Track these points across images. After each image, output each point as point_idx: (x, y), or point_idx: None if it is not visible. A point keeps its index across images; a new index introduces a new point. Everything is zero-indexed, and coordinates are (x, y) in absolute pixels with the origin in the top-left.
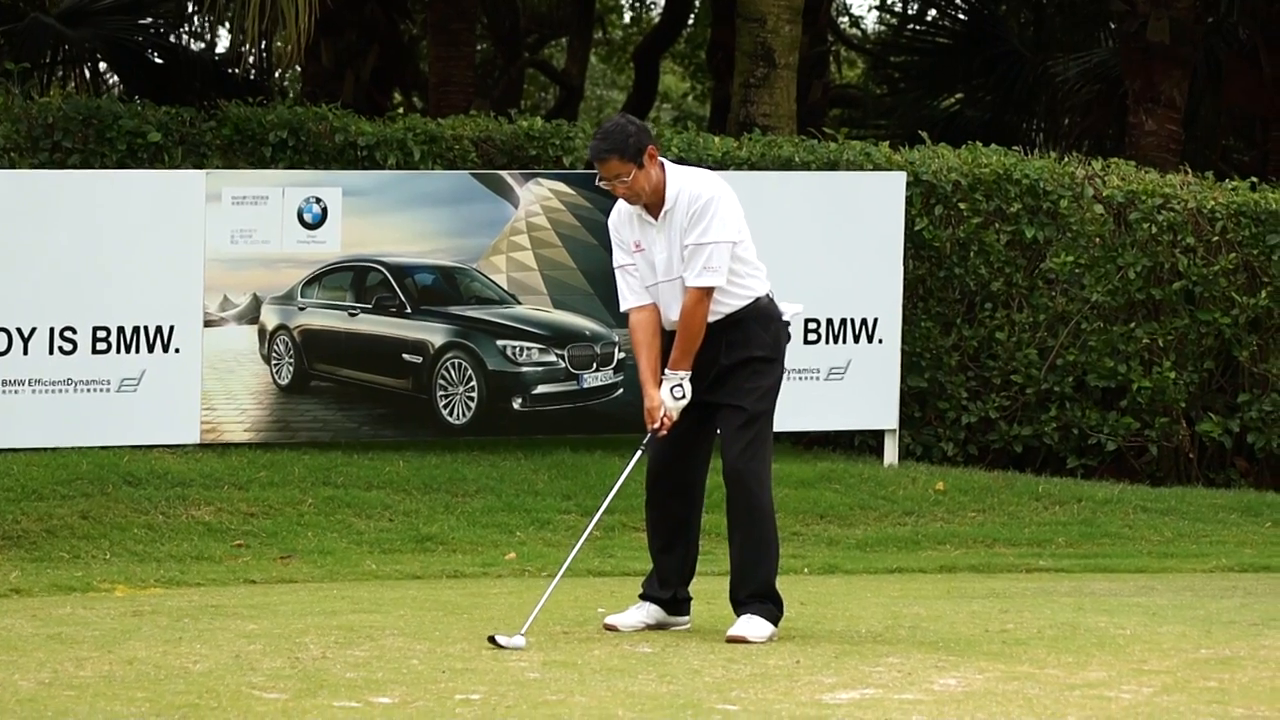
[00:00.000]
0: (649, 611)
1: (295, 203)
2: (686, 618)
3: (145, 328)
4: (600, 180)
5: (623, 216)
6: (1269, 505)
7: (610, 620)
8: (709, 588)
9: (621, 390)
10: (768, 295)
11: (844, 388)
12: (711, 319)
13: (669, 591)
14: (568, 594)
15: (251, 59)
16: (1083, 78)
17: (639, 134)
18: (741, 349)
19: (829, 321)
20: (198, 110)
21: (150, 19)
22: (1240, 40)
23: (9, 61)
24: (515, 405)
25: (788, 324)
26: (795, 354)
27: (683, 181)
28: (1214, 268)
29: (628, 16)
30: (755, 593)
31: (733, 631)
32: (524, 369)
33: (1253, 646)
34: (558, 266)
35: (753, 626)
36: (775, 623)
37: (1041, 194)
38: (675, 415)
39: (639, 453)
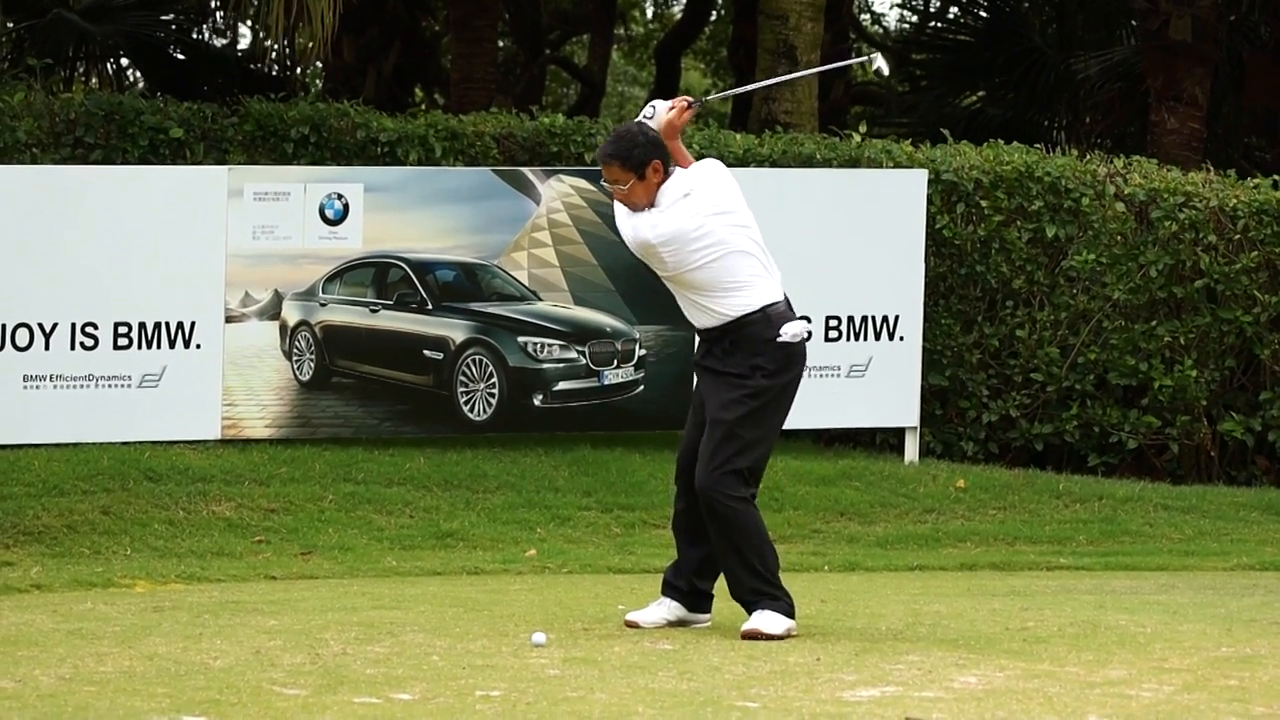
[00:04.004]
0: (670, 608)
1: (317, 199)
2: (707, 615)
3: (167, 323)
4: (604, 180)
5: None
6: None
7: (631, 617)
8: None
9: (642, 387)
10: (763, 310)
11: (865, 385)
12: (710, 324)
13: (685, 581)
14: (588, 590)
15: (274, 55)
16: (1104, 75)
17: (647, 147)
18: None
19: (850, 319)
20: (220, 106)
21: (172, 15)
22: (1262, 38)
23: (32, 57)
24: (536, 402)
25: (784, 344)
26: (817, 351)
27: (670, 182)
28: (1236, 266)
29: (650, 13)
30: (753, 594)
31: (747, 627)
32: (545, 365)
33: (1274, 645)
34: (579, 263)
35: (766, 620)
36: (789, 615)
37: (1063, 192)
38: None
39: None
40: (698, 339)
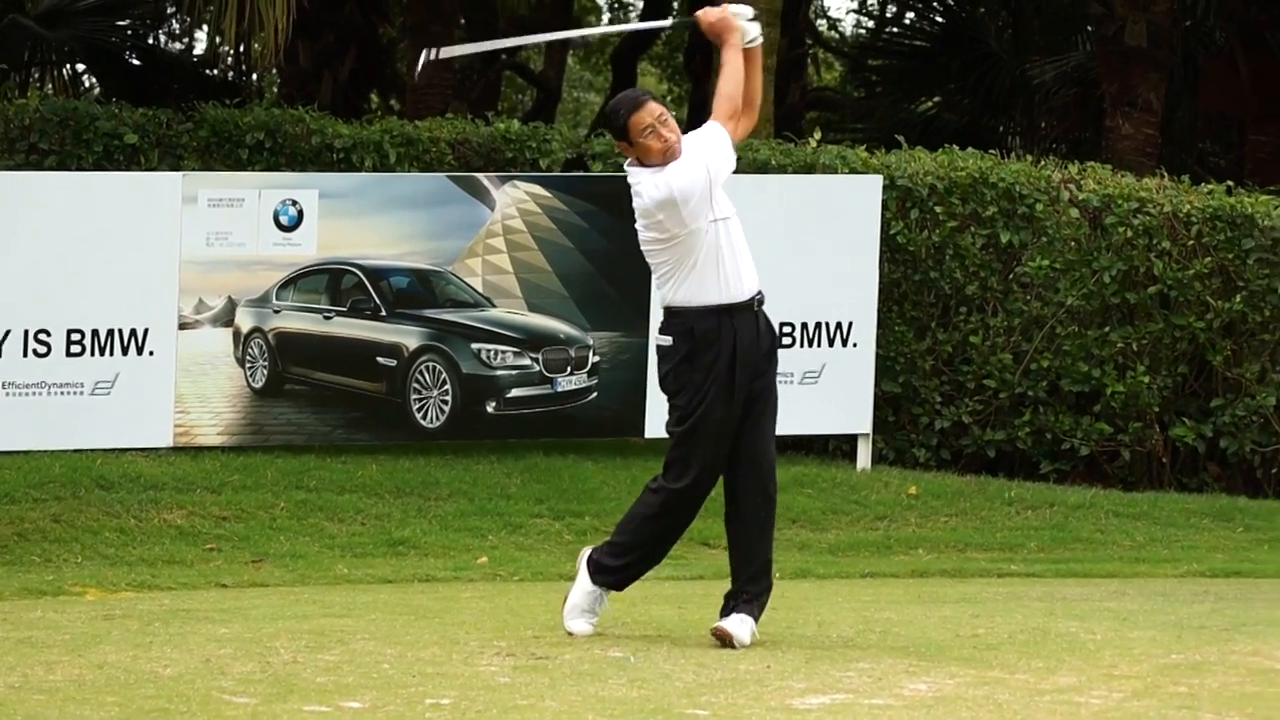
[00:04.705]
0: (598, 610)
1: (271, 205)
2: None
3: (119, 330)
4: (639, 136)
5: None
6: (1241, 510)
7: (568, 627)
8: (679, 592)
9: (596, 394)
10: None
11: (818, 392)
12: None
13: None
14: (539, 598)
15: (229, 60)
16: (1060, 81)
17: None
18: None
19: (804, 325)
20: (175, 112)
21: (128, 20)
22: (1217, 43)
23: None
24: (489, 409)
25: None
26: None
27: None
28: (1189, 272)
29: (605, 19)
30: (760, 585)
31: (723, 624)
32: (498, 372)
33: (1223, 652)
34: (533, 270)
35: (742, 627)
36: (758, 619)
37: (1017, 198)
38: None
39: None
40: (727, 330)
